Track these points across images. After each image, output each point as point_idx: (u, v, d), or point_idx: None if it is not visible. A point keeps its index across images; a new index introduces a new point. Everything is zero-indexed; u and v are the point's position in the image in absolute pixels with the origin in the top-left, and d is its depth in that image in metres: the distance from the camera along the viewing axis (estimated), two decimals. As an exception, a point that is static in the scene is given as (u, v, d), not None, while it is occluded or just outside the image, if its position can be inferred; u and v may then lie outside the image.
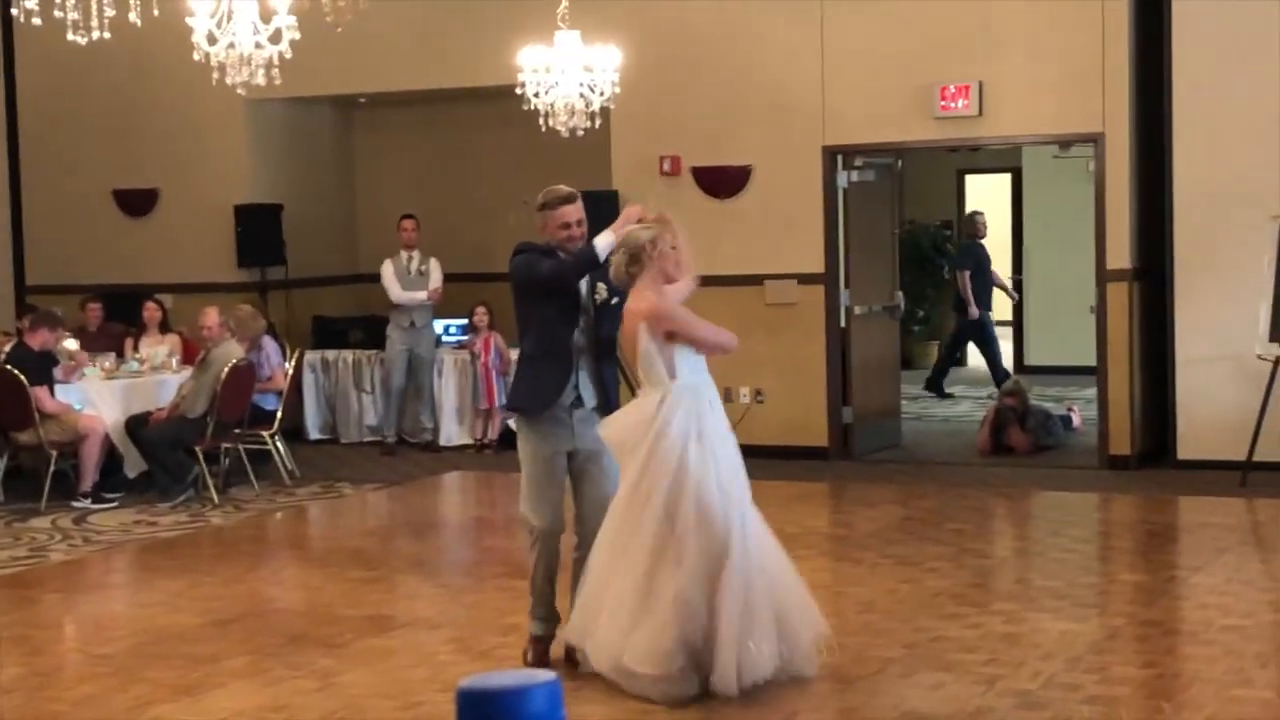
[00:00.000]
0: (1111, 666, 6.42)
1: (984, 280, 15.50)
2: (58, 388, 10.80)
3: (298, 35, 7.39)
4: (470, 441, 12.97)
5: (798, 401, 11.99)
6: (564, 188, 6.68)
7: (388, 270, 13.02)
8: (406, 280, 12.92)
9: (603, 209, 12.26)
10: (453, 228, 14.27)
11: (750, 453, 12.33)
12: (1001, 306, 20.88)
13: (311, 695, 6.25)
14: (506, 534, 9.54)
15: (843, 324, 12.04)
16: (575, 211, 6.58)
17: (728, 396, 12.12)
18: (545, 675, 1.27)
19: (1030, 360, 17.66)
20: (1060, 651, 6.59)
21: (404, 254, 13.03)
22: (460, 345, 13.07)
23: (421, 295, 12.92)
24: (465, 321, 13.13)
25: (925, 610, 7.37)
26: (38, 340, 10.68)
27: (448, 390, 13.11)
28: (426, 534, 10.10)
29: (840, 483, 11.16)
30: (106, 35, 6.22)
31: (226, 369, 10.65)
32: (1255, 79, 10.84)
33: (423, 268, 12.99)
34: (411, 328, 12.97)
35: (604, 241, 6.35)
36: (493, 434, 12.74)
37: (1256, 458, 10.46)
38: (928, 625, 7.08)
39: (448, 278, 13.50)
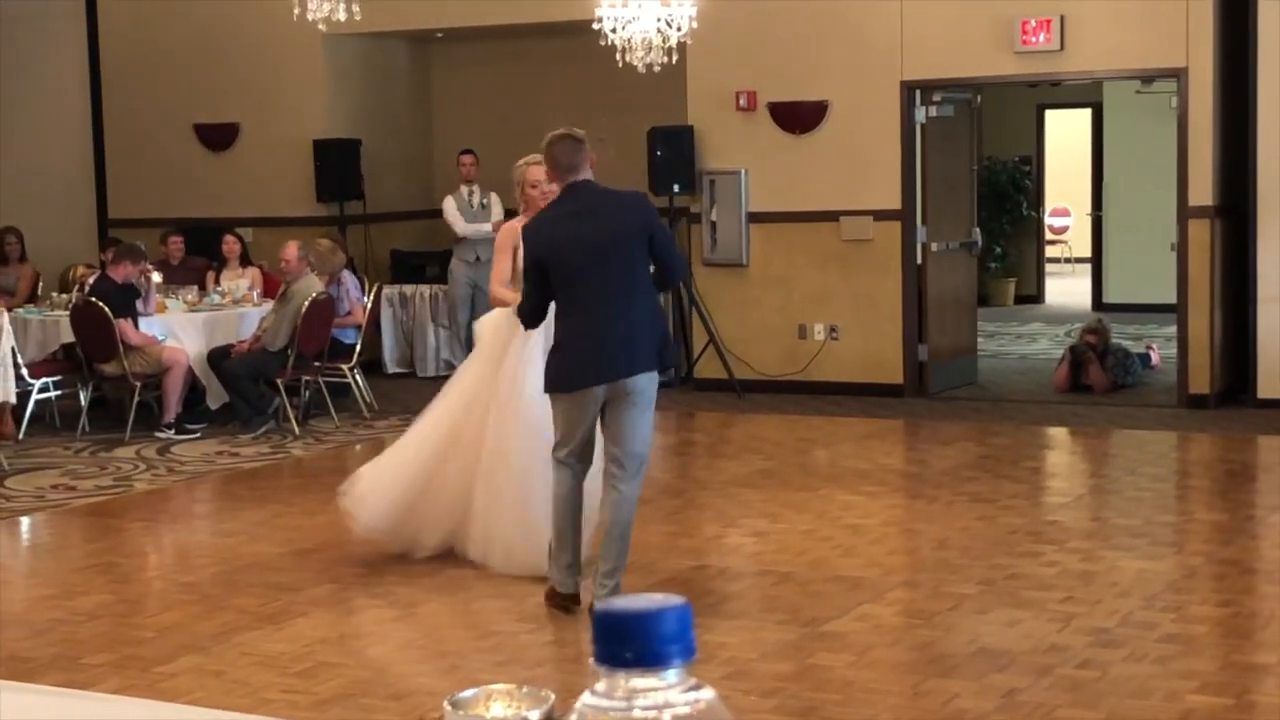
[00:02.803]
0: (1188, 605, 6.41)
1: None
2: (141, 320, 10.95)
3: (377, -30, 7.42)
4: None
5: (873, 338, 11.96)
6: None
7: (450, 205, 13.06)
8: (469, 214, 12.97)
9: (679, 144, 12.30)
10: (529, 163, 14.29)
11: (824, 389, 12.34)
12: (1080, 243, 20.77)
13: (392, 624, 6.36)
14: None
15: (919, 261, 11.98)
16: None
17: (801, 333, 12.15)
18: (676, 599, 1.32)
19: (1109, 298, 17.52)
20: (1137, 590, 6.58)
21: (464, 188, 13.07)
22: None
23: (486, 228, 12.92)
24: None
25: (1000, 547, 7.37)
26: (121, 273, 10.83)
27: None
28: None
29: (915, 420, 11.14)
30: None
31: (307, 303, 10.75)
32: (1344, 13, 10.65)
33: (484, 201, 13.03)
34: (477, 262, 13.02)
35: None
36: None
37: (1338, 397, 10.36)
38: (1003, 562, 7.09)
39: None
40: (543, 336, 6.65)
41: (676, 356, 6.46)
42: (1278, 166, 10.89)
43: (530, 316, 6.36)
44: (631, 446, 6.26)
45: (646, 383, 6.25)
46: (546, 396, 6.37)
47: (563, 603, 6.38)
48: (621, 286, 6.20)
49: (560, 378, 6.23)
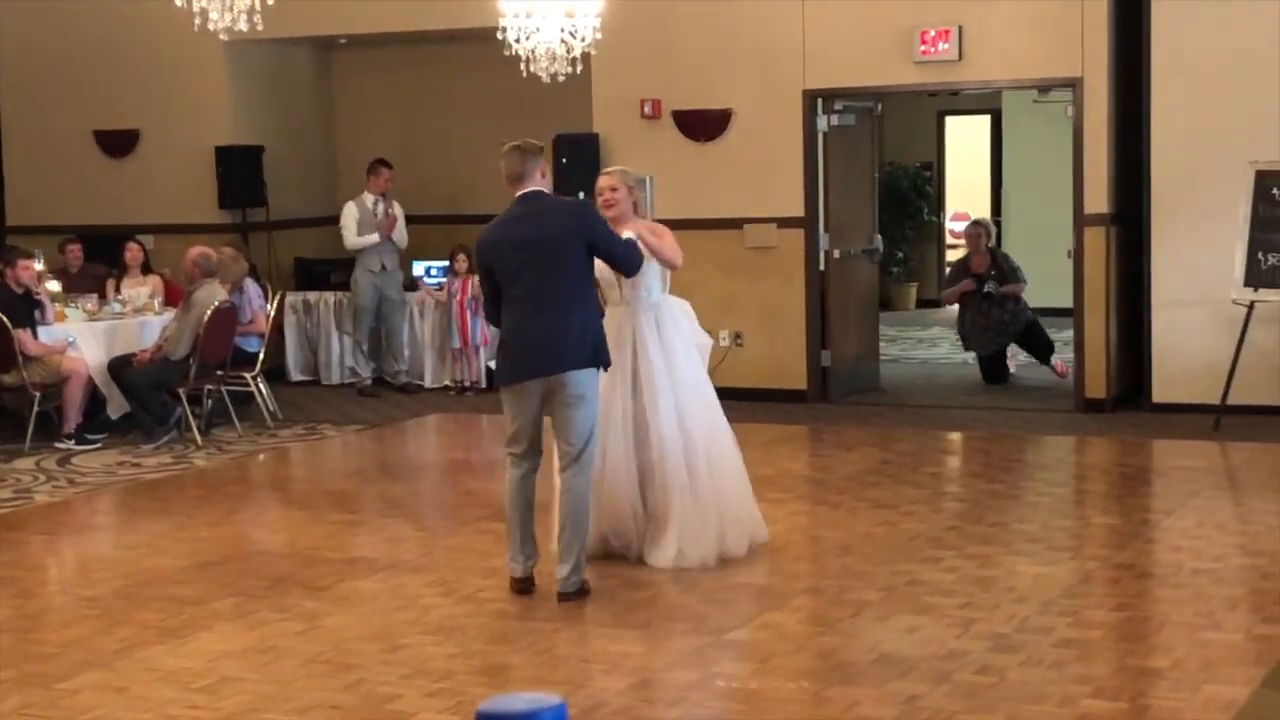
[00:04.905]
0: (1084, 610, 6.54)
1: None
2: (43, 329, 10.83)
3: (280, -20, 7.39)
4: (449, 383, 13.03)
5: (777, 345, 12.06)
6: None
7: (350, 213, 12.91)
8: (370, 223, 12.86)
9: (583, 152, 12.34)
10: (432, 170, 14.29)
11: (729, 395, 12.41)
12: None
13: (297, 638, 6.34)
14: (488, 476, 9.61)
15: (822, 267, 12.10)
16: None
17: (708, 339, 12.23)
18: (552, 699, 1.36)
19: (1008, 302, 17.72)
20: (1034, 595, 6.71)
21: (369, 198, 12.95)
22: (440, 288, 13.10)
23: (374, 237, 12.83)
24: (446, 264, 13.18)
25: (902, 553, 7.47)
26: (14, 278, 10.69)
27: (424, 332, 13.16)
28: (408, 477, 10.18)
29: (818, 426, 11.26)
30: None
31: (209, 311, 10.68)
32: (1234, 25, 10.88)
33: (389, 211, 12.94)
34: (382, 270, 12.96)
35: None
36: (471, 376, 12.80)
37: (1230, 401, 10.57)
38: (904, 568, 7.19)
39: (428, 219, 13.55)
40: (675, 327, 7.28)
41: (601, 359, 6.82)
42: (1171, 175, 11.12)
43: (490, 316, 6.99)
44: (570, 438, 6.71)
45: (578, 379, 6.68)
46: (701, 380, 7.36)
47: (518, 586, 6.86)
48: (554, 288, 6.65)
49: (502, 373, 6.79)
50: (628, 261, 6.87)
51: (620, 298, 7.29)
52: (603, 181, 7.37)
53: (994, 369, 12.90)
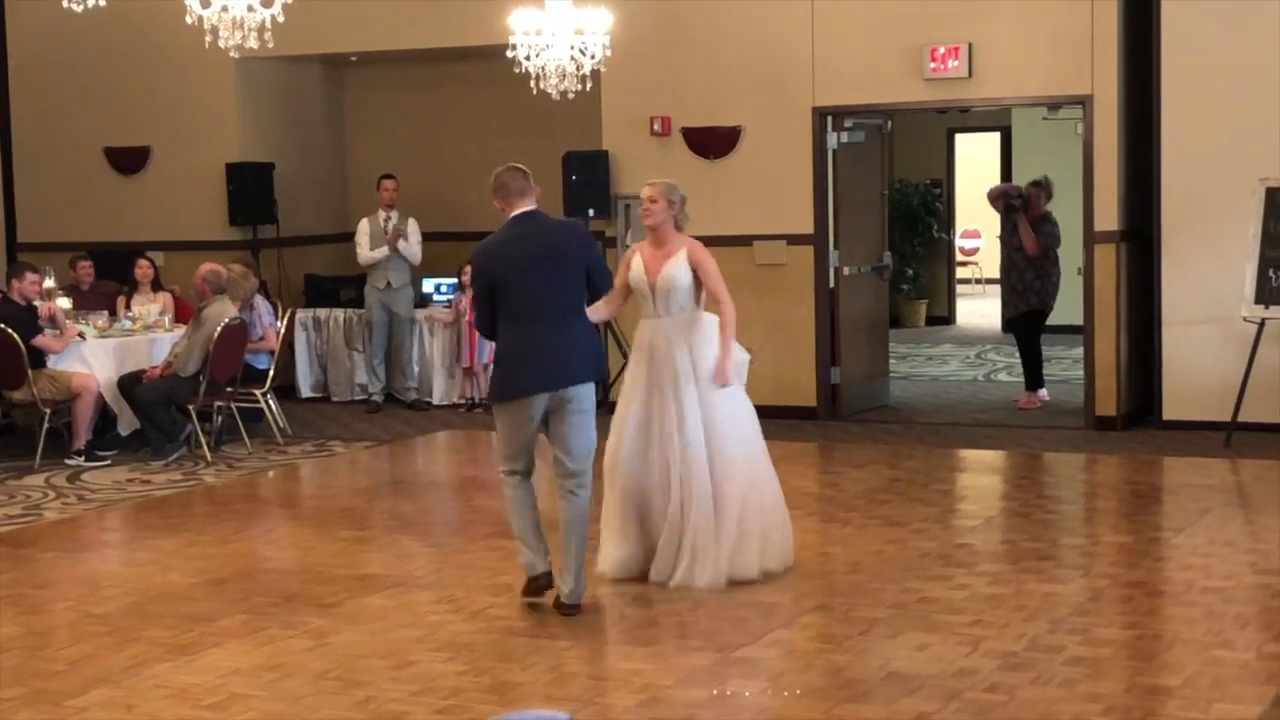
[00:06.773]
0: (1094, 628, 6.52)
1: None
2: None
3: (290, -2, 7.42)
4: (458, 400, 13.04)
5: (786, 362, 12.04)
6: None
7: (362, 229, 13.00)
8: (381, 240, 12.88)
9: (593, 169, 12.35)
10: (443, 187, 14.30)
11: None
12: (990, 264, 21.00)
13: (306, 655, 6.34)
14: (497, 494, 9.57)
15: (831, 284, 12.10)
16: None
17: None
18: (561, 716, 1.36)
19: (1018, 319, 17.69)
20: (1044, 613, 6.69)
21: (382, 214, 12.99)
22: (449, 305, 13.10)
23: (382, 251, 12.85)
24: (455, 281, 13.19)
25: (911, 571, 7.46)
26: (18, 292, 10.72)
27: (434, 349, 13.17)
28: (417, 493, 10.18)
29: (828, 443, 11.24)
30: (102, 2, 6.23)
31: (219, 328, 10.69)
32: (1245, 43, 10.88)
33: (399, 227, 12.94)
34: (387, 288, 12.96)
35: None
36: (480, 394, 12.80)
37: (1241, 418, 10.56)
38: (914, 586, 7.18)
39: (439, 236, 13.56)
40: (706, 343, 7.28)
41: (602, 373, 7.11)
42: (1181, 192, 11.11)
43: (484, 330, 7.07)
44: (577, 451, 6.83)
45: (584, 391, 6.84)
46: (737, 396, 7.37)
47: (541, 582, 6.91)
48: (560, 305, 6.83)
49: (507, 388, 6.82)
50: (605, 289, 7.11)
51: (653, 310, 7.31)
52: (645, 191, 7.49)
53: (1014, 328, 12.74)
